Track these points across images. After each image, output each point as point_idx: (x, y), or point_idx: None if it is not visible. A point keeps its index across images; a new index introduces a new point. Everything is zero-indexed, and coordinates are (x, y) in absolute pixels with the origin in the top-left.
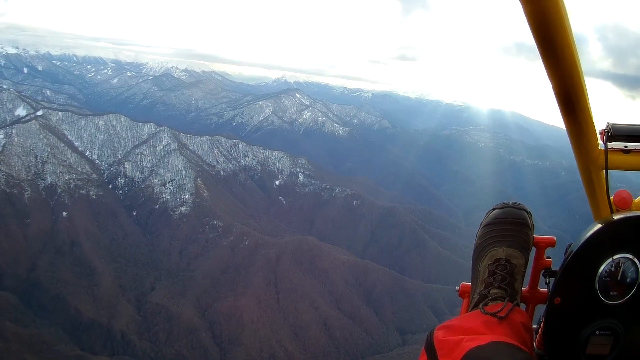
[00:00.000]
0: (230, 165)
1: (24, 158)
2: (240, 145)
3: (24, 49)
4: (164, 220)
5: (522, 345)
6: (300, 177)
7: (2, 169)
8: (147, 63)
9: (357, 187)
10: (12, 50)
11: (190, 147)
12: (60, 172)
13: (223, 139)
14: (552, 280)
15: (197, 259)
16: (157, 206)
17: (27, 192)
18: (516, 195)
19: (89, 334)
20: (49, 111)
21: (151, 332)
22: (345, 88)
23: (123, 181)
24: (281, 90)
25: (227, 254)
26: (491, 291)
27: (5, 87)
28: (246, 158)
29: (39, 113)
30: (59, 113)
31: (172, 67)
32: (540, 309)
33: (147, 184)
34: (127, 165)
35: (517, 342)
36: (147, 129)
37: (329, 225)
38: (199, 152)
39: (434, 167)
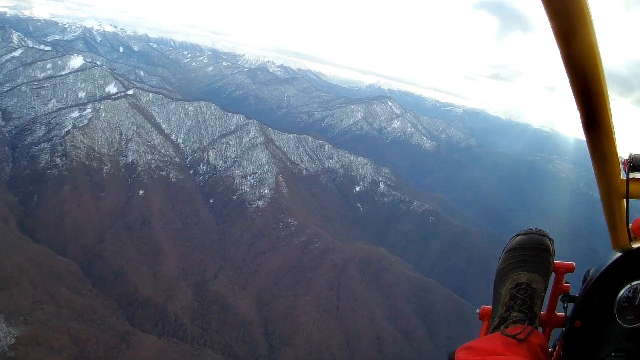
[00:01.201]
0: (313, 165)
1: (108, 134)
2: (326, 146)
3: (121, 29)
4: (239, 212)
5: None
6: (381, 186)
7: (85, 141)
8: (244, 55)
9: (434, 203)
10: (109, 29)
11: (277, 143)
12: (143, 151)
13: (310, 139)
14: (570, 304)
15: (265, 254)
16: (234, 197)
17: (106, 167)
18: (589, 232)
19: (142, 311)
20: (140, 91)
21: (205, 320)
22: (437, 101)
23: (205, 168)
24: (374, 97)
25: (296, 254)
26: (511, 314)
27: (98, 63)
28: (330, 160)
29: (130, 92)
30: (150, 94)
31: (268, 61)
32: (556, 332)
33: (228, 173)
34: (211, 153)
35: None
36: (236, 120)
37: (402, 238)
38: (285, 148)
39: (513, 192)
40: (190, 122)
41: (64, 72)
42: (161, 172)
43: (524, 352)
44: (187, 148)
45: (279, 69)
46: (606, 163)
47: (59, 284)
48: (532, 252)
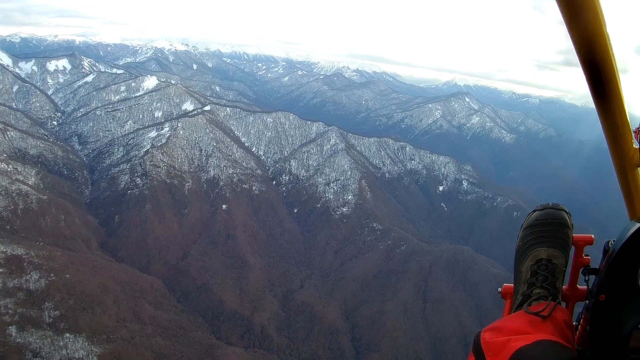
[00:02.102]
0: (396, 168)
1: (188, 151)
2: (407, 148)
3: (193, 46)
4: (324, 220)
5: (565, 342)
6: (464, 184)
7: (165, 160)
8: (319, 62)
9: (517, 197)
10: (181, 47)
11: (358, 148)
12: (224, 166)
13: (391, 141)
14: (592, 277)
15: (351, 261)
16: (318, 205)
17: (188, 184)
18: None
19: (228, 324)
20: (217, 107)
21: (291, 329)
22: (514, 93)
23: (287, 178)
24: (451, 94)
25: (382, 258)
26: (534, 291)
27: (173, 82)
28: (412, 162)
29: (207, 108)
30: (227, 109)
31: (343, 67)
32: (579, 306)
33: (311, 182)
34: (293, 163)
35: (560, 339)
36: (316, 127)
37: (487, 236)
38: (366, 153)
39: (595, 181)
40: (269, 133)
41: (138, 94)
42: (244, 185)
43: (548, 329)
44: (269, 159)
45: (354, 73)
46: (618, 133)
47: (142, 301)
48: (551, 227)
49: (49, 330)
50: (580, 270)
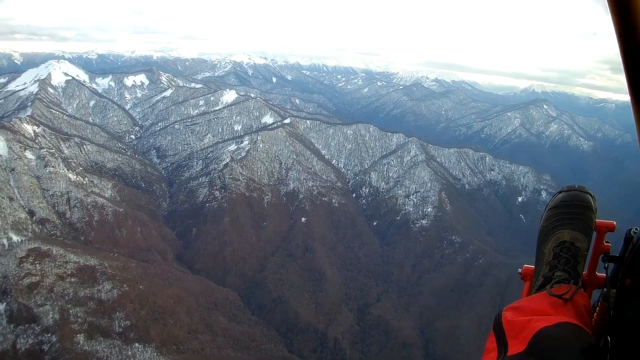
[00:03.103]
0: (475, 179)
1: (267, 164)
2: (487, 158)
3: (272, 60)
4: (403, 233)
5: (585, 327)
6: (543, 194)
7: (244, 173)
8: (398, 73)
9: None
10: (260, 61)
11: (438, 159)
12: (304, 178)
13: (471, 152)
14: (611, 265)
15: (429, 274)
16: (398, 217)
17: (267, 197)
18: None
19: (301, 337)
20: (297, 119)
21: (365, 344)
22: (590, 98)
23: (367, 190)
24: (529, 101)
25: (459, 272)
26: (555, 273)
27: (252, 95)
28: (492, 172)
29: (287, 121)
30: (307, 121)
31: (422, 76)
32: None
33: (391, 194)
34: (373, 175)
35: (580, 323)
36: (396, 139)
37: None
38: (446, 164)
39: None
40: (350, 145)
41: (217, 107)
42: (323, 198)
43: (569, 312)
44: (349, 172)
45: (433, 83)
46: None
47: (216, 313)
48: (575, 209)
49: (118, 340)
50: (600, 257)
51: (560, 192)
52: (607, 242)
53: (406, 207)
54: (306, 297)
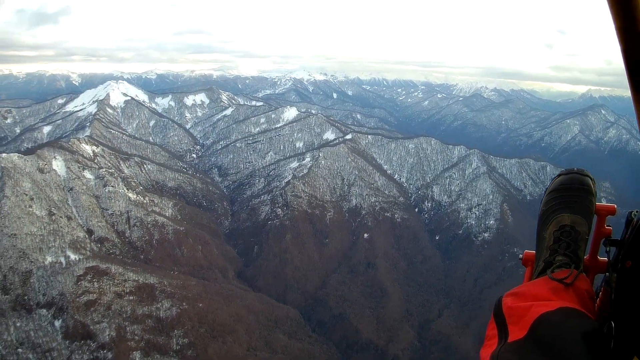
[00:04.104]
0: (537, 189)
1: (329, 180)
2: (548, 167)
3: (332, 75)
4: (466, 246)
5: (587, 312)
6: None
7: (306, 190)
8: (457, 84)
9: None
10: (320, 77)
11: (499, 170)
12: (366, 194)
13: (532, 162)
14: (613, 249)
15: (490, 288)
16: (460, 231)
17: (329, 213)
18: None
19: (361, 354)
20: (358, 135)
21: (425, 359)
22: None
23: (430, 205)
24: (587, 107)
25: None
26: (556, 258)
27: (313, 112)
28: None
29: (348, 137)
30: (369, 136)
31: (481, 87)
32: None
33: (453, 208)
34: (435, 189)
35: (582, 308)
36: (457, 151)
37: None
38: (508, 175)
39: None
40: (412, 159)
41: (278, 125)
42: (386, 214)
43: (571, 297)
44: (411, 186)
45: (492, 93)
46: None
47: (276, 330)
48: (575, 192)
49: (175, 357)
50: (602, 241)
51: (559, 175)
52: (608, 225)
53: (468, 221)
54: (367, 314)
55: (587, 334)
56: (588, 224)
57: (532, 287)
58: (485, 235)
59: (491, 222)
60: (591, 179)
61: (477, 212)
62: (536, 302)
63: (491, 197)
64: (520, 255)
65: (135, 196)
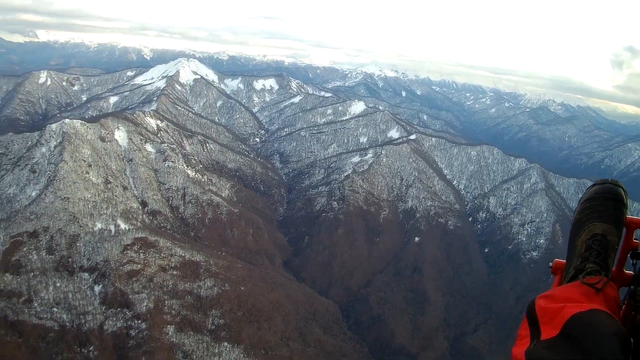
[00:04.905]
0: None
1: (388, 179)
2: None
3: (402, 73)
4: (513, 263)
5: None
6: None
7: (364, 186)
8: (525, 94)
9: None
10: (390, 74)
11: (557, 189)
12: (423, 197)
13: (590, 183)
14: (639, 262)
15: None
16: (510, 246)
17: (384, 212)
18: None
19: (392, 359)
20: (423, 136)
21: None
22: None
23: (484, 215)
24: None
25: None
26: (587, 265)
27: (381, 108)
28: None
29: (412, 137)
30: (432, 139)
31: (549, 99)
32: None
33: (506, 222)
34: (492, 200)
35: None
36: (518, 164)
37: None
38: (564, 194)
39: None
40: (472, 167)
41: (345, 118)
42: (439, 219)
43: (601, 302)
44: (468, 194)
45: (559, 107)
46: None
47: (313, 323)
48: (608, 202)
49: (208, 336)
50: (629, 254)
51: (594, 184)
52: (636, 239)
53: (519, 237)
54: (405, 319)
55: (619, 334)
56: (618, 234)
57: (564, 290)
58: (534, 254)
59: (541, 241)
60: (624, 190)
61: (529, 229)
62: (568, 303)
63: (545, 215)
64: (551, 264)
65: (194, 173)
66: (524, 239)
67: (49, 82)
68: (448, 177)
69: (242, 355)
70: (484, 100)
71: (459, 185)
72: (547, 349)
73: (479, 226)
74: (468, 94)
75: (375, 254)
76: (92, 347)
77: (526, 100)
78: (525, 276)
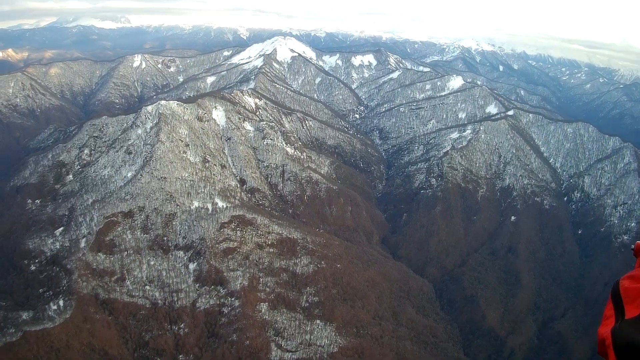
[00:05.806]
0: None
1: (487, 156)
2: None
3: (499, 47)
4: (604, 246)
5: None
6: None
7: (463, 163)
8: (619, 70)
9: None
10: (488, 48)
11: None
12: (520, 175)
13: None
14: None
15: None
16: (602, 229)
17: (481, 190)
18: None
19: (480, 341)
20: (520, 112)
21: (538, 359)
22: None
23: (578, 195)
24: None
25: None
26: None
27: (479, 83)
28: None
29: (510, 113)
30: (530, 115)
31: None
32: None
33: (600, 203)
34: (587, 180)
35: None
36: (612, 143)
37: None
38: None
39: None
40: (568, 145)
41: (443, 93)
42: (536, 198)
43: None
44: (564, 173)
45: None
46: None
47: (406, 302)
48: None
49: (301, 314)
50: None
51: None
52: None
53: (611, 219)
54: (497, 300)
55: None
56: None
57: None
58: (625, 237)
59: (632, 224)
60: None
61: (621, 211)
62: None
63: (637, 197)
64: (633, 246)
65: (293, 151)
66: (616, 221)
67: (143, 65)
68: (545, 154)
69: (333, 333)
70: (579, 75)
71: (555, 164)
72: (631, 326)
73: (573, 206)
74: (564, 69)
75: (471, 232)
76: (182, 325)
77: (620, 75)
78: (615, 261)
